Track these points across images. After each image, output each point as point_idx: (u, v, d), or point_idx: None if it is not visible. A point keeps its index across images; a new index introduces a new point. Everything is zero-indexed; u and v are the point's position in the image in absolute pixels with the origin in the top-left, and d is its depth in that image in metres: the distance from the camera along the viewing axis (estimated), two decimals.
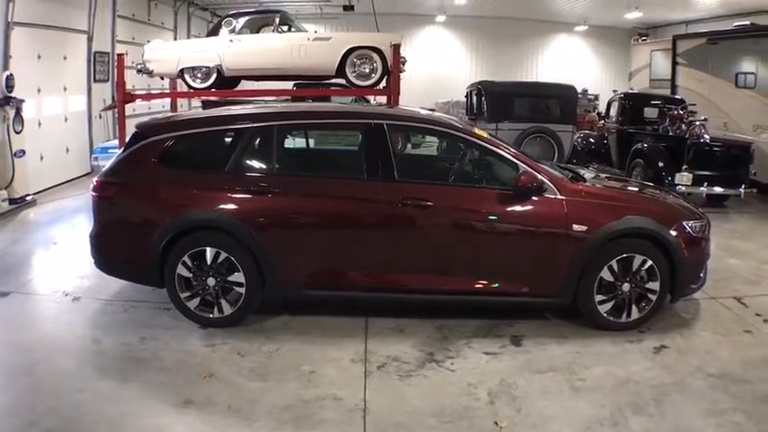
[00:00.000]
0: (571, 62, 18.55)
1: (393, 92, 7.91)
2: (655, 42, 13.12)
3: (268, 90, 8.98)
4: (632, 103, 9.25)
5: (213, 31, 7.72)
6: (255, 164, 3.81)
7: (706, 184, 6.99)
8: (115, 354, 3.43)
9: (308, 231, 3.67)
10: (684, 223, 3.81)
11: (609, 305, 3.74)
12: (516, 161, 3.73)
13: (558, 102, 7.81)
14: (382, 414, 2.81)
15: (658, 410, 2.90)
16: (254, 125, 3.82)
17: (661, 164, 7.46)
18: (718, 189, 7.06)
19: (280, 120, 3.90)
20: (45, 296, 4.36)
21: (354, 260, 3.70)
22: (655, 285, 3.74)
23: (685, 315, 4.08)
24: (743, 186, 6.91)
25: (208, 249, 3.63)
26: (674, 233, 3.72)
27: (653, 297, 3.76)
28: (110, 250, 3.94)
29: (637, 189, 4.58)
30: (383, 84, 7.61)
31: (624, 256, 3.67)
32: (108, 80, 10.28)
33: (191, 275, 3.69)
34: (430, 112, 3.92)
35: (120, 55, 7.06)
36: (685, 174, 7.01)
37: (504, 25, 17.71)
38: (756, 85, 8.43)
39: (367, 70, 7.66)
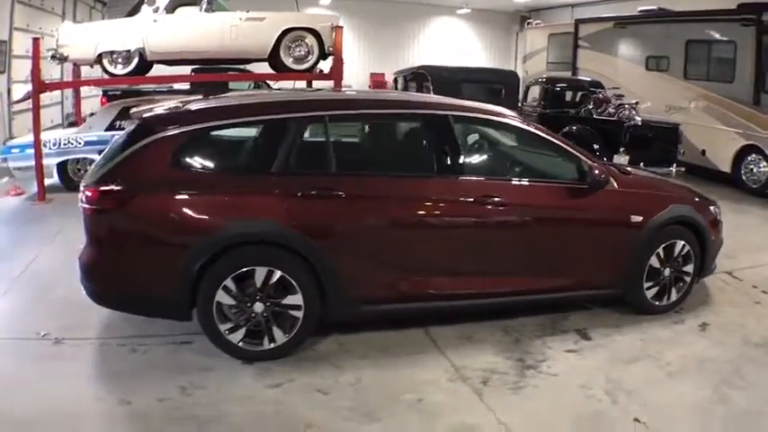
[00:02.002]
0: (453, 45, 19.71)
1: (335, 76, 7.77)
2: (553, 26, 14.47)
3: (163, 77, 8.23)
4: (555, 88, 10.18)
5: (134, 10, 7.07)
6: (308, 162, 3.40)
7: (642, 164, 8.05)
8: (162, 417, 2.84)
9: (376, 238, 3.40)
10: (711, 208, 4.38)
11: (654, 290, 4.13)
12: (577, 154, 3.88)
13: (503, 87, 8.28)
14: None
15: (746, 382, 3.30)
16: (302, 115, 3.40)
17: (596, 147, 8.38)
18: (653, 169, 8.16)
19: (331, 109, 3.53)
20: (11, 341, 3.57)
21: (429, 267, 3.52)
22: (689, 268, 4.20)
23: (700, 293, 4.69)
24: (674, 165, 8.10)
25: (257, 269, 3.18)
26: (704, 218, 4.25)
27: (687, 279, 4.25)
28: (112, 278, 3.29)
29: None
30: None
31: (669, 242, 4.11)
32: (4, 71, 9.51)
33: (234, 302, 3.21)
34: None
35: (35, 39, 6.53)
36: (623, 156, 7.99)
37: (386, 9, 18.21)
38: (669, 68, 9.90)
39: (303, 53, 7.48)
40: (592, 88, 9.79)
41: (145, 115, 3.48)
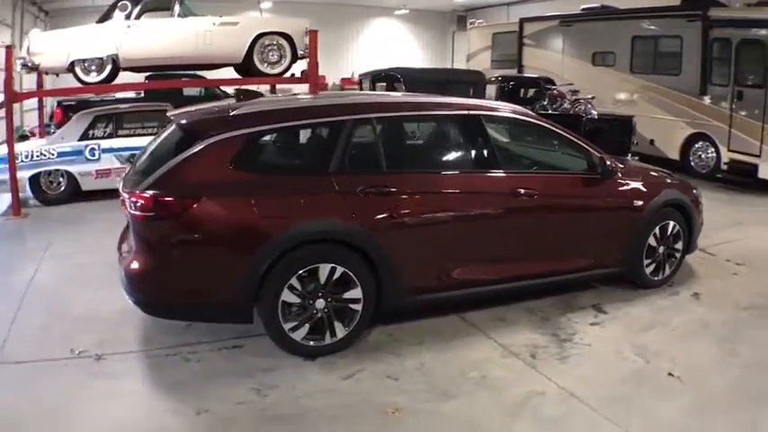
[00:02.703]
0: (391, 46, 20.32)
1: (311, 80, 8.03)
2: (497, 25, 15.28)
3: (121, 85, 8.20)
4: (512, 85, 10.87)
5: (105, 17, 7.07)
6: (361, 161, 3.68)
7: None
8: (250, 420, 2.98)
9: (428, 231, 3.73)
10: (694, 191, 5.04)
11: (652, 267, 4.72)
12: (588, 147, 4.41)
13: (471, 86, 8.80)
14: (588, 395, 3.19)
15: (745, 338, 3.91)
16: (352, 117, 3.65)
17: None
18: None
19: (377, 111, 3.81)
20: (46, 363, 3.53)
21: (471, 255, 3.90)
22: (679, 245, 4.84)
23: (684, 268, 5.32)
24: (629, 155, 8.93)
25: (321, 266, 3.43)
26: (690, 201, 4.90)
27: (678, 255, 4.88)
28: (170, 286, 3.39)
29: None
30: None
31: (663, 223, 4.71)
32: None
33: (299, 300, 3.44)
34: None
35: (8, 47, 6.53)
36: None
37: (325, 11, 18.53)
38: (615, 63, 10.81)
39: (276, 57, 7.72)
40: (546, 85, 10.57)
41: (192, 120, 3.63)
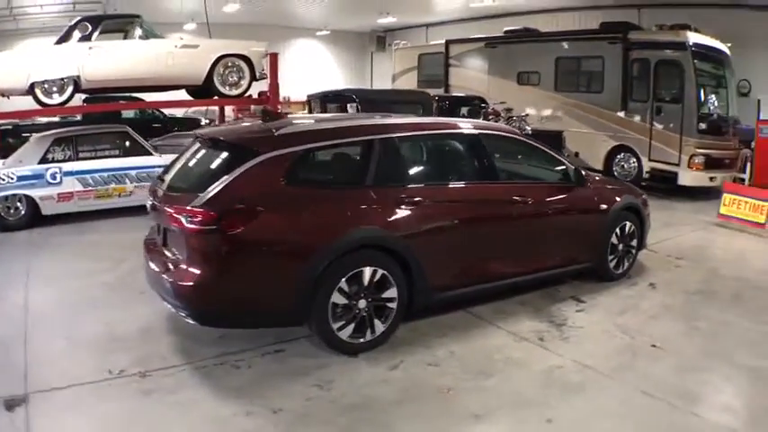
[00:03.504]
0: (313, 67, 20.97)
1: (272, 100, 8.51)
2: (423, 46, 16.38)
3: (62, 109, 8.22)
4: (448, 103, 11.85)
5: (64, 38, 7.07)
6: (391, 175, 4.24)
7: None
8: (327, 411, 3.40)
9: (448, 235, 4.37)
10: (643, 197, 6.08)
11: (614, 262, 5.67)
12: (564, 161, 5.30)
13: (421, 107, 9.58)
14: (597, 365, 3.96)
15: (700, 316, 4.88)
16: (382, 136, 4.24)
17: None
18: None
19: (399, 131, 4.40)
20: (89, 385, 3.67)
21: (483, 256, 4.60)
22: (634, 243, 5.84)
23: (636, 264, 6.36)
24: None
25: (365, 270, 3.96)
26: (642, 204, 5.93)
27: (633, 251, 5.88)
28: (229, 296, 3.74)
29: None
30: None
31: (622, 224, 5.67)
32: None
33: (345, 301, 3.95)
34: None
35: None
36: None
37: (248, 33, 18.76)
38: (540, 82, 12.11)
39: (235, 79, 8.16)
40: (481, 104, 11.66)
41: (246, 138, 4.06)
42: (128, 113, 11.20)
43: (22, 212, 7.12)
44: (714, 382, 3.85)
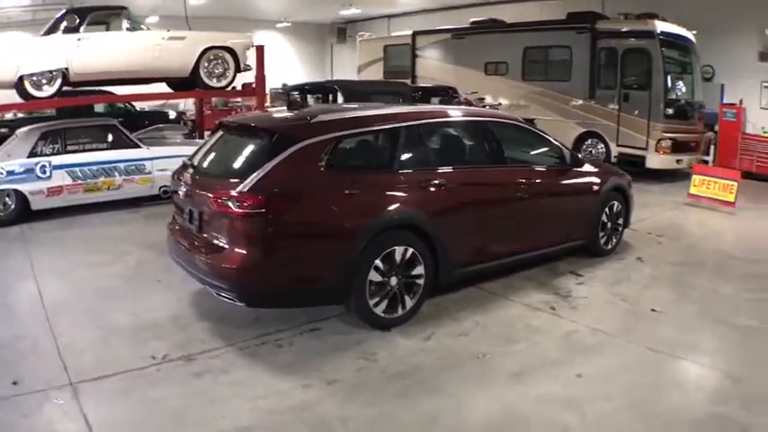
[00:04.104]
0: (273, 58, 20.96)
1: (259, 92, 8.71)
2: (389, 38, 16.72)
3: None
4: (421, 94, 12.26)
5: (52, 29, 7.09)
6: (415, 160, 4.63)
7: None
8: (380, 379, 3.74)
9: (466, 215, 4.80)
10: (628, 178, 6.69)
11: (604, 239, 6.27)
12: (560, 146, 5.81)
13: (401, 96, 9.95)
14: (607, 329, 4.48)
15: (687, 284, 5.51)
16: (408, 123, 4.62)
17: None
18: None
19: (422, 119, 4.79)
20: (135, 372, 3.82)
21: (494, 234, 5.05)
22: (621, 221, 6.46)
23: (622, 241, 7.00)
24: None
25: (397, 248, 4.33)
26: (626, 185, 6.54)
27: (620, 229, 6.50)
28: (277, 277, 4.03)
29: None
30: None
31: (610, 203, 6.27)
32: None
33: (380, 279, 4.30)
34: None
35: None
36: None
37: (209, 25, 18.65)
38: (508, 72, 12.70)
39: (221, 71, 8.34)
40: (453, 94, 12.13)
41: (285, 126, 4.39)
42: (98, 107, 11.08)
43: (12, 207, 7.10)
44: (712, 338, 4.45)
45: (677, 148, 10.30)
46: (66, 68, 7.03)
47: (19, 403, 3.46)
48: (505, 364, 3.98)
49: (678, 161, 10.43)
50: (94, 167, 7.45)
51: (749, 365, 4.00)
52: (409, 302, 4.50)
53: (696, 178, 8.79)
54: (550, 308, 4.92)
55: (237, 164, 4.29)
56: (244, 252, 3.99)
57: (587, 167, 6.09)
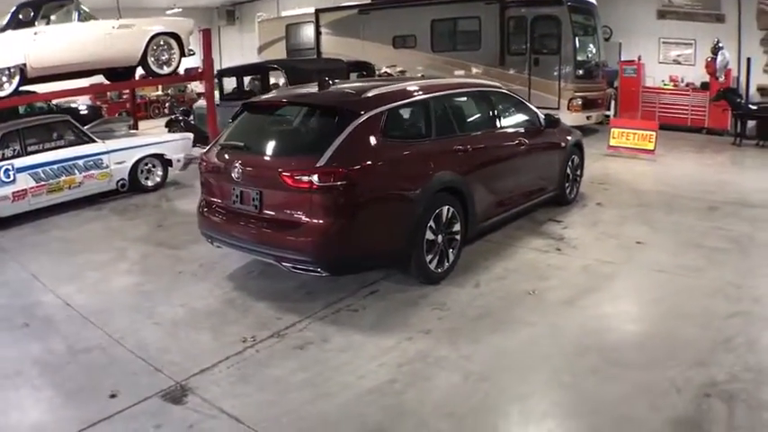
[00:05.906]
0: None
1: (206, 75, 8.73)
2: (290, 17, 16.78)
3: None
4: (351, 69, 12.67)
5: (7, 26, 6.85)
6: (445, 128, 5.24)
7: None
8: (461, 323, 4.31)
9: (483, 174, 5.50)
10: (579, 134, 7.76)
11: (569, 188, 7.29)
12: (535, 109, 6.69)
13: (336, 73, 10.28)
14: (612, 260, 5.43)
15: (650, 220, 6.65)
16: (437, 95, 5.25)
17: None
18: None
19: (447, 90, 5.51)
20: (241, 355, 3.94)
21: (502, 189, 5.82)
22: (579, 172, 7.56)
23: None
24: None
25: (444, 209, 4.93)
26: (581, 141, 7.62)
27: (579, 180, 7.59)
28: (357, 243, 4.43)
29: None
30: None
31: (572, 158, 7.30)
32: None
33: (433, 237, 4.88)
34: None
35: None
36: None
37: (105, 14, 17.48)
38: (416, 44, 13.45)
39: (167, 57, 8.31)
40: (371, 68, 12.66)
41: (346, 101, 4.80)
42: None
43: None
44: (698, 258, 5.50)
45: (587, 105, 11.74)
46: (24, 64, 6.74)
47: (134, 416, 3.34)
48: (553, 295, 4.79)
49: (588, 117, 11.89)
50: (55, 167, 7.14)
51: (739, 275, 5.06)
52: (451, 257, 5.15)
53: (615, 131, 10.20)
54: (556, 249, 5.82)
55: (303, 141, 4.68)
56: (326, 223, 4.30)
57: (555, 126, 7.04)
